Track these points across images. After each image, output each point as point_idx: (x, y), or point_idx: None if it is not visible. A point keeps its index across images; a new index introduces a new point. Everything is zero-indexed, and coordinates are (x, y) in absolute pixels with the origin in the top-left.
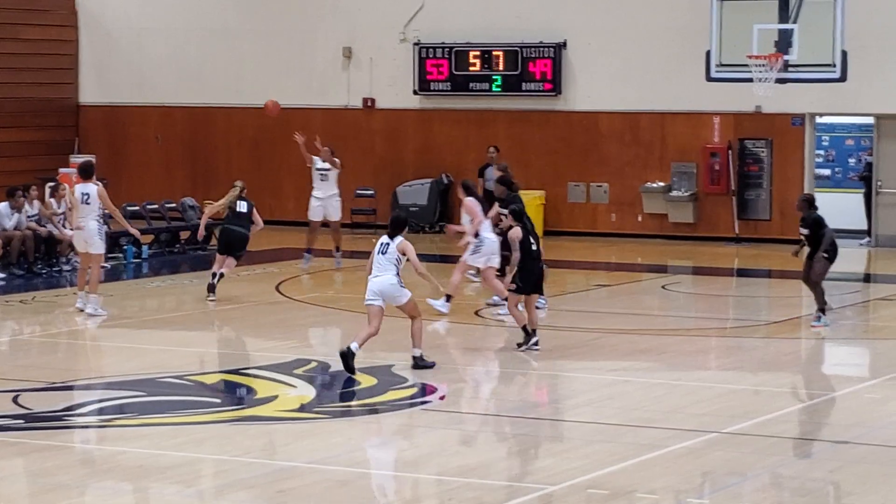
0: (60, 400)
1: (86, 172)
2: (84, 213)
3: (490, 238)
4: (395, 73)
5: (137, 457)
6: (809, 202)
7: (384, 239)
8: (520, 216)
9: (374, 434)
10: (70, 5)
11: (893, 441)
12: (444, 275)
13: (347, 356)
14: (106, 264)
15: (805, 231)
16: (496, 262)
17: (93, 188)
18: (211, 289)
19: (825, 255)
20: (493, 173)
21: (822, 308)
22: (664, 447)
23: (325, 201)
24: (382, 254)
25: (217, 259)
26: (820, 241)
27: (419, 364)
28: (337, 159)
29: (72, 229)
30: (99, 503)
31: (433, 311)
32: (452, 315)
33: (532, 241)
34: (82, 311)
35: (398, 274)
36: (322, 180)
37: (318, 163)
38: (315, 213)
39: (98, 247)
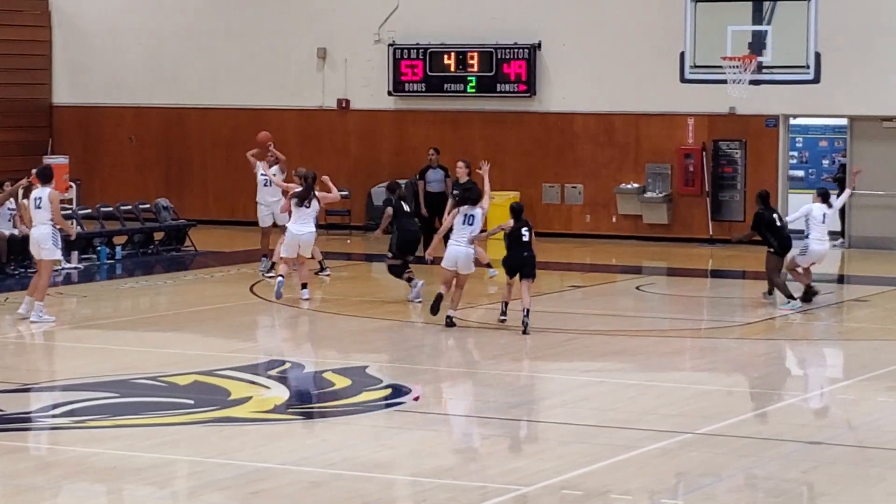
0: (33, 401)
1: (44, 177)
2: (36, 218)
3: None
4: (369, 74)
5: (111, 458)
6: (761, 198)
7: (469, 209)
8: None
9: (347, 435)
10: (44, 5)
11: (867, 442)
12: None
13: (449, 324)
14: (59, 268)
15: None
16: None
17: (45, 192)
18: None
19: (770, 249)
20: (436, 175)
21: (789, 296)
22: (638, 448)
23: (272, 206)
24: (469, 224)
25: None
26: (764, 236)
27: (452, 323)
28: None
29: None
30: None
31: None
32: (426, 315)
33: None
34: (24, 318)
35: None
36: (266, 186)
37: (261, 169)
38: (265, 220)
39: (50, 252)
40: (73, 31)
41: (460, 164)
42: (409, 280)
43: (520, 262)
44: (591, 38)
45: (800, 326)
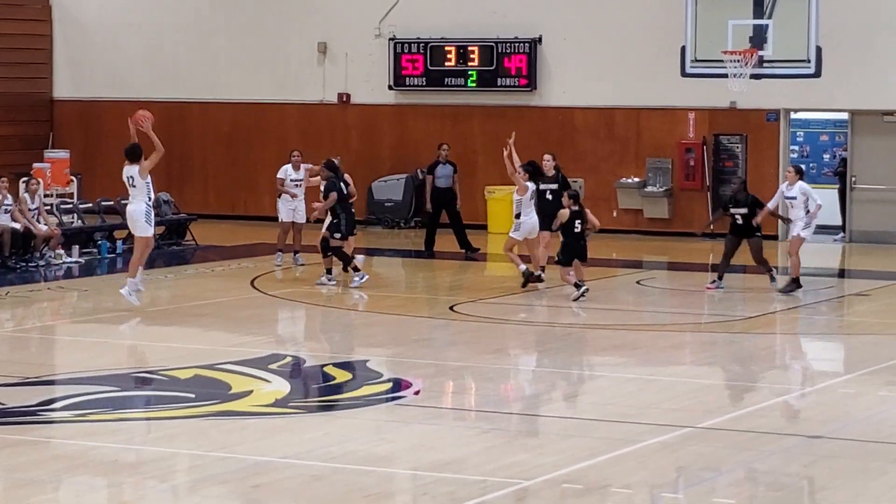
0: (34, 395)
1: (133, 155)
2: (130, 195)
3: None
4: (370, 68)
5: (112, 452)
6: (745, 184)
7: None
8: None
9: (348, 429)
10: (44, 0)
11: (868, 436)
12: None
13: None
14: (60, 262)
15: (742, 211)
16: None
17: (135, 170)
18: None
19: (758, 234)
20: (445, 171)
21: (771, 272)
22: (639, 442)
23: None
24: (532, 200)
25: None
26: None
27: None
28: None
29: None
30: (73, 498)
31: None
32: (428, 309)
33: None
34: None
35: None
36: (297, 187)
37: (292, 173)
38: (287, 216)
39: (143, 229)
40: (74, 25)
41: (547, 156)
42: (356, 270)
43: (577, 253)
44: (591, 32)
45: (800, 321)
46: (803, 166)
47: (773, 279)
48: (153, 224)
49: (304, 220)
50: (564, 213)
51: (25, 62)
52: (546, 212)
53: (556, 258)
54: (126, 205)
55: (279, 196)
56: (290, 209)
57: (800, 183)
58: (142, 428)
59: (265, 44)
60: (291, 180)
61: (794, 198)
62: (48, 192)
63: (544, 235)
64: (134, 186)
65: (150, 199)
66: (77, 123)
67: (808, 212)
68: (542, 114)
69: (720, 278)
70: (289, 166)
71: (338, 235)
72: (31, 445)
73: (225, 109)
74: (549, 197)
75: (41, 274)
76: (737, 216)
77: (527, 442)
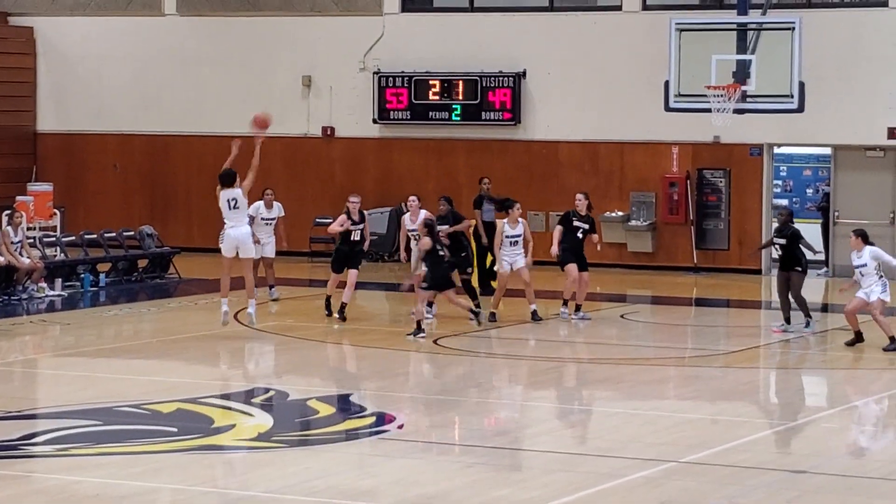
0: (16, 429)
1: (230, 179)
2: (233, 219)
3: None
4: (354, 101)
5: (94, 486)
6: (791, 215)
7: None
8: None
9: (331, 463)
10: (28, 32)
11: (851, 471)
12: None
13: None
14: (43, 294)
15: (782, 241)
16: None
17: (238, 192)
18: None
19: (799, 268)
20: (490, 205)
21: (809, 316)
22: (622, 476)
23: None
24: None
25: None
26: (794, 254)
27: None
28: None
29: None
30: None
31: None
32: (409, 342)
33: None
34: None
35: None
36: (267, 225)
37: (264, 212)
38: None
39: (250, 251)
40: (58, 58)
41: (580, 196)
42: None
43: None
44: (575, 66)
45: (784, 355)
46: (864, 231)
47: (808, 324)
48: None
49: (273, 255)
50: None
51: (9, 95)
52: (577, 251)
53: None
54: (231, 228)
55: None
56: (259, 245)
57: (868, 248)
58: (124, 462)
59: (249, 77)
60: (262, 218)
61: (865, 265)
62: (31, 226)
63: (582, 275)
64: (237, 209)
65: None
66: (60, 156)
67: (880, 277)
68: (527, 147)
69: (787, 321)
70: (261, 203)
71: (469, 270)
72: (12, 480)
73: (209, 142)
74: (580, 236)
75: (24, 307)
76: (776, 245)
77: (511, 476)
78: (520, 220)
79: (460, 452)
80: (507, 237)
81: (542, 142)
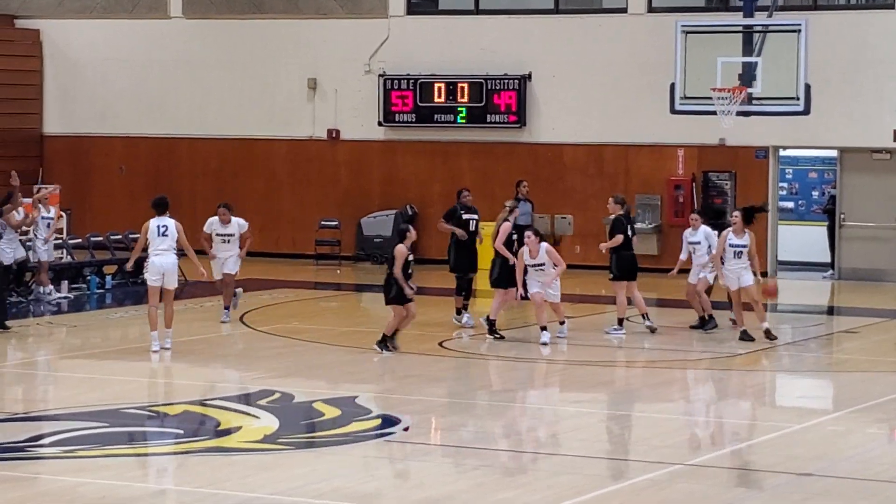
0: (23, 431)
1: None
2: (228, 251)
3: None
4: (359, 104)
5: (100, 488)
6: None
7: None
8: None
9: (337, 465)
10: (35, 36)
11: (856, 474)
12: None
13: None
14: (51, 298)
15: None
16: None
17: (171, 222)
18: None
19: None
20: (524, 208)
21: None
22: (627, 479)
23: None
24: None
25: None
26: None
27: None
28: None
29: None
30: None
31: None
32: (417, 345)
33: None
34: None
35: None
36: (225, 242)
37: (219, 227)
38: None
39: (172, 281)
40: (64, 61)
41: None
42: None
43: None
44: (580, 69)
45: (789, 358)
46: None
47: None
48: None
49: (233, 271)
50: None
51: (15, 97)
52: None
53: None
54: (156, 256)
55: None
56: (219, 263)
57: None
58: (131, 464)
59: (254, 79)
60: (217, 234)
61: (698, 242)
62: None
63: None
64: (166, 236)
65: None
66: (66, 159)
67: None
68: (532, 150)
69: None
70: (214, 219)
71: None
72: (19, 482)
73: (213, 145)
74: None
75: (30, 309)
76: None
77: (516, 479)
78: (746, 231)
79: (465, 455)
80: (730, 246)
81: (547, 144)
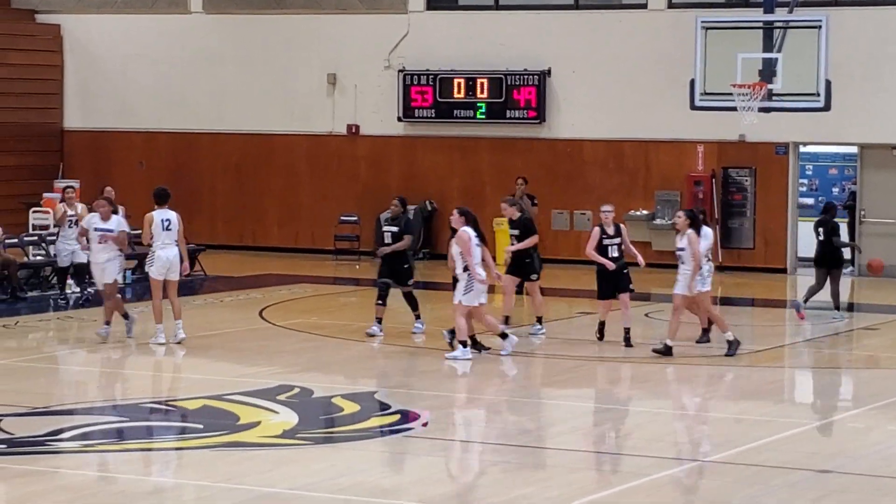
0: (43, 425)
1: (161, 198)
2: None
3: (482, 275)
4: (379, 99)
5: (119, 482)
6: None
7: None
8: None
9: (356, 461)
10: (55, 31)
11: (877, 471)
12: (429, 300)
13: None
14: (70, 292)
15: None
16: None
17: (173, 214)
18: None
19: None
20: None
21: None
22: (646, 475)
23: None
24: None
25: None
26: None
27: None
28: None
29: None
30: None
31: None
32: (436, 341)
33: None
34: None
35: None
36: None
37: (98, 223)
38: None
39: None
40: (85, 56)
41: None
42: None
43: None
44: (600, 64)
45: (809, 355)
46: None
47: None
48: None
49: (112, 280)
50: None
51: (36, 92)
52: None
53: None
54: (161, 249)
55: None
56: (98, 269)
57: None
58: (150, 458)
59: (274, 75)
60: (96, 229)
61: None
62: (57, 224)
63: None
64: (169, 230)
65: None
66: (87, 153)
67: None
68: (551, 146)
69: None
70: (94, 214)
71: (411, 283)
72: (39, 476)
73: (234, 140)
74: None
75: (50, 304)
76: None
77: (534, 474)
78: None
79: (484, 451)
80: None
81: (566, 140)
